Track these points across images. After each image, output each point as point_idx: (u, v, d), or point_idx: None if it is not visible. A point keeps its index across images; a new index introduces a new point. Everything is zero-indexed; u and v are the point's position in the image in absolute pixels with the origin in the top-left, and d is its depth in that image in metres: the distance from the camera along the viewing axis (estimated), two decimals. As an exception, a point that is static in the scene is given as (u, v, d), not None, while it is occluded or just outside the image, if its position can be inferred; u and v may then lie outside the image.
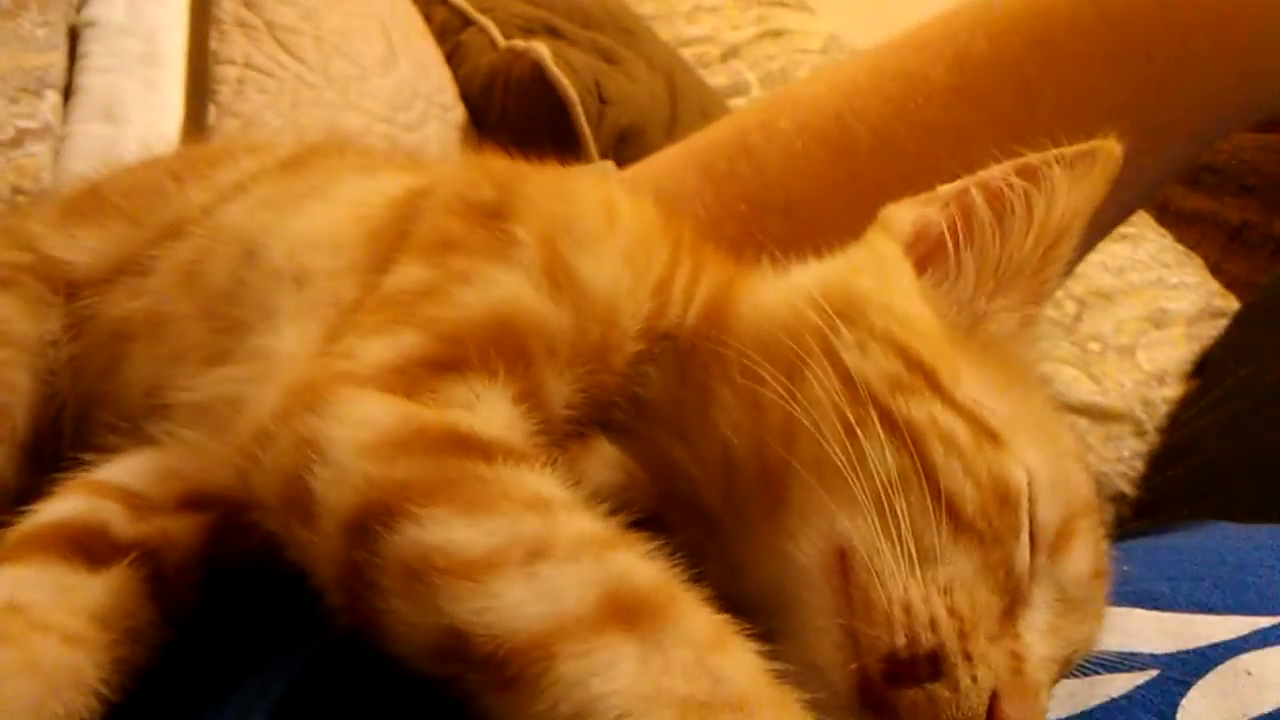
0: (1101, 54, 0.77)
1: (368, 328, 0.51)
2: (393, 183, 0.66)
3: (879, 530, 0.44)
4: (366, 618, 0.41)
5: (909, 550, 0.44)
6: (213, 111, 1.23)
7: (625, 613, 0.38)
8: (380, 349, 0.49)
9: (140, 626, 0.52)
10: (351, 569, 0.41)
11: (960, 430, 0.47)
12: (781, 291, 0.54)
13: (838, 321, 0.50)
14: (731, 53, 1.80)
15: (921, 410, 0.47)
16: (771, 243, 0.58)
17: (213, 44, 1.25)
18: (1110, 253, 1.44)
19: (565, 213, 0.55)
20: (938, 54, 0.80)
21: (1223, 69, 0.78)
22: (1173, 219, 1.77)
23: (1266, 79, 0.80)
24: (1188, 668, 0.48)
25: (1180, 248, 1.54)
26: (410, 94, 1.31)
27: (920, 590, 0.43)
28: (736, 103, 1.63)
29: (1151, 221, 1.58)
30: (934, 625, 0.42)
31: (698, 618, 0.39)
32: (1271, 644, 0.48)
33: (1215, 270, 1.57)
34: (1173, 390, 1.35)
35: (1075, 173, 0.54)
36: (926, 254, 0.55)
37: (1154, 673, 0.49)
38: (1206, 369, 1.38)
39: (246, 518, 0.47)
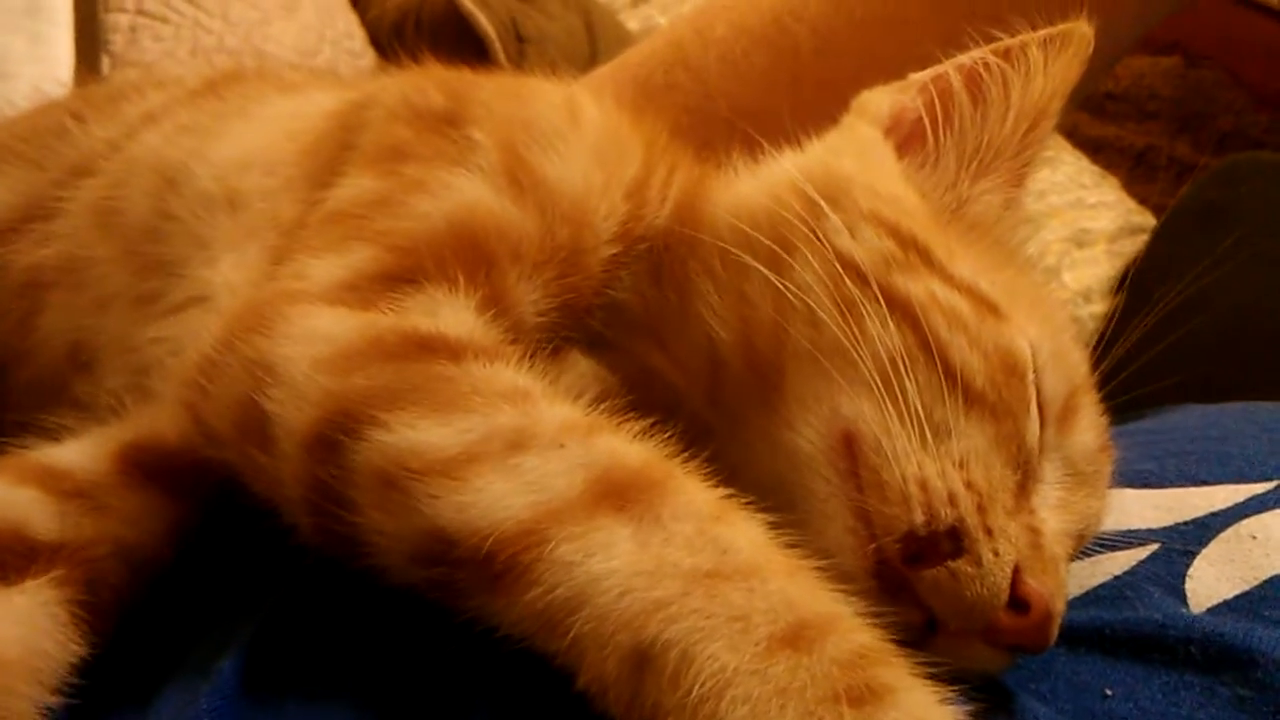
0: None
1: (315, 246, 0.47)
2: (325, 97, 0.61)
3: (888, 407, 0.42)
4: (341, 536, 0.37)
5: (920, 426, 0.41)
6: (106, 62, 1.14)
7: (619, 492, 0.36)
8: (330, 266, 0.45)
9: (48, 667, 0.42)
10: (319, 488, 0.38)
11: (962, 304, 0.45)
12: (760, 181, 0.52)
13: (823, 205, 0.47)
14: (643, -2, 1.76)
15: (920, 286, 0.45)
16: (718, 152, 0.56)
17: (101, -7, 1.17)
18: (1031, 177, 1.46)
19: (524, 113, 0.51)
20: None
21: None
22: (1079, 146, 1.80)
23: None
24: (1189, 538, 0.47)
25: (1096, 168, 1.56)
26: (316, 39, 1.24)
27: (936, 465, 0.41)
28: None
29: (1067, 145, 1.60)
30: (952, 500, 0.40)
31: (697, 491, 0.37)
32: (1271, 508, 0.48)
33: (1122, 194, 1.59)
34: (1099, 307, 1.36)
35: (1051, 54, 0.52)
36: (905, 139, 0.53)
37: (1155, 546, 0.48)
38: (1129, 284, 1.40)
39: (201, 472, 0.42)
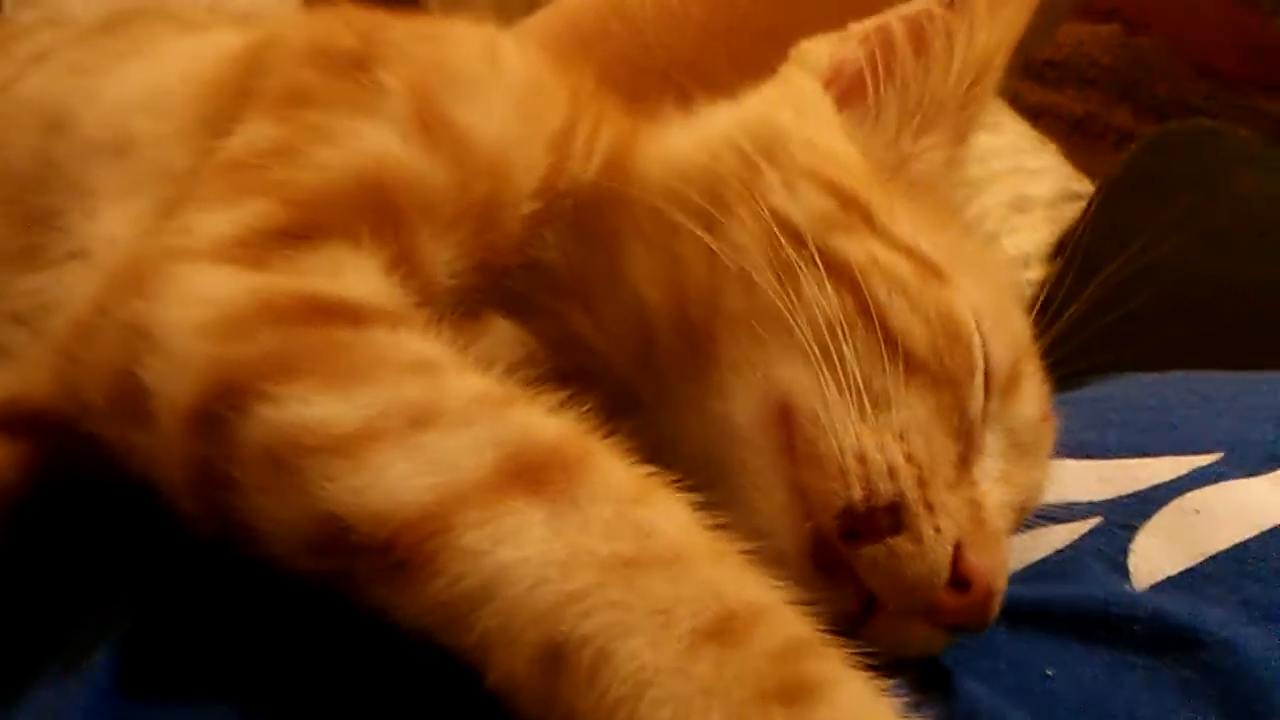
0: None
1: (206, 198, 0.43)
2: (229, 37, 0.56)
3: (825, 376, 0.39)
4: (228, 522, 0.34)
5: (859, 395, 0.39)
6: (8, 4, 1.07)
7: (531, 472, 0.33)
8: (220, 221, 0.41)
9: None
10: (201, 468, 0.34)
11: (903, 267, 0.42)
12: (693, 135, 0.48)
13: (759, 160, 0.44)
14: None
15: (860, 248, 0.42)
16: (653, 104, 0.52)
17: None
18: (973, 143, 1.44)
19: (440, 57, 0.47)
20: None
21: None
22: (1019, 113, 1.78)
23: None
24: (1130, 511, 0.46)
25: (1036, 134, 1.55)
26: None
27: (874, 437, 0.38)
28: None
29: (1009, 109, 1.59)
30: (892, 473, 0.38)
31: (617, 470, 0.34)
32: (1212, 481, 0.46)
33: (1060, 162, 1.59)
34: (1037, 272, 1.36)
35: (995, 5, 0.49)
36: (845, 92, 0.50)
37: (1096, 520, 0.46)
38: (1068, 250, 1.40)
39: (75, 436, 0.38)
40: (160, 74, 0.53)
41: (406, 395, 0.34)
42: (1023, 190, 1.43)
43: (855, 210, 0.43)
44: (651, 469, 0.35)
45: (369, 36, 0.49)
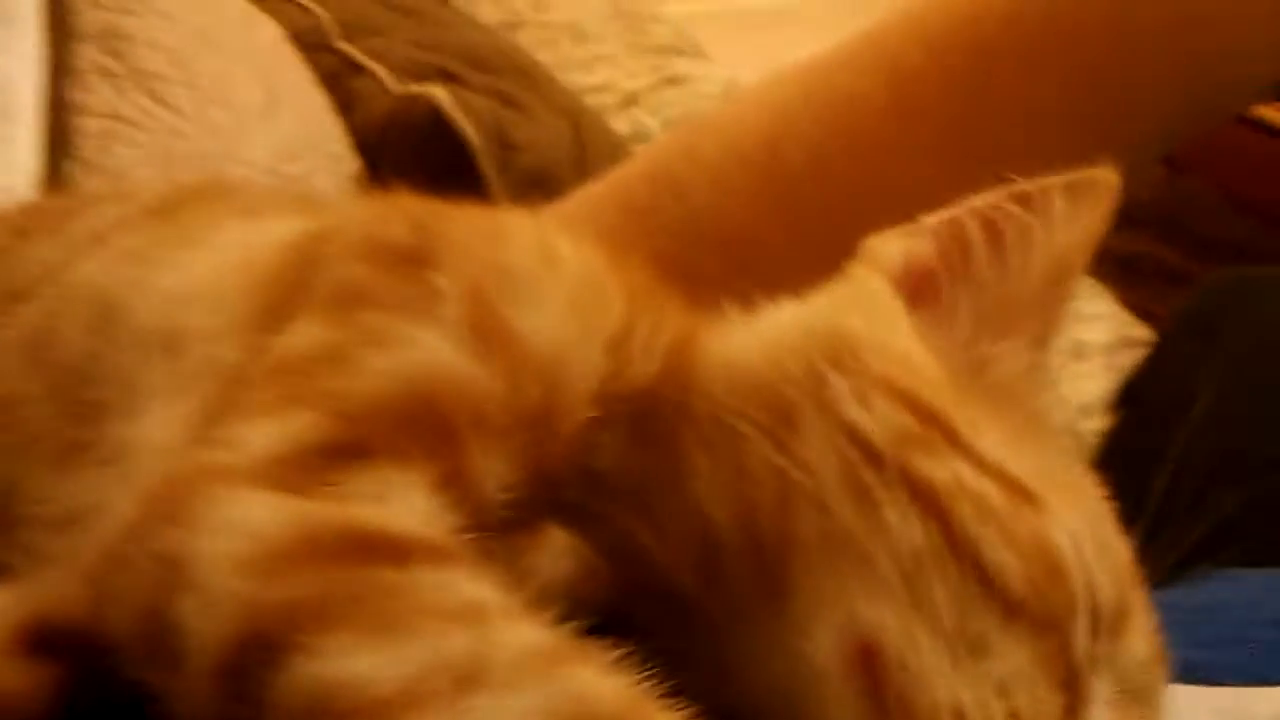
0: (1044, 59, 0.71)
1: (253, 407, 0.41)
2: (286, 225, 0.55)
3: (913, 614, 0.35)
4: None
5: (952, 640, 0.35)
6: (75, 169, 1.09)
7: None
8: (267, 435, 0.38)
9: None
10: None
11: (992, 491, 0.38)
12: (757, 337, 0.45)
13: (826, 370, 0.41)
14: (631, 100, 1.74)
15: (944, 469, 0.39)
16: (706, 284, 0.50)
17: (72, 94, 1.12)
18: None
19: (495, 257, 0.45)
20: (872, 69, 0.73)
21: (1172, 76, 0.73)
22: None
23: (1218, 85, 0.76)
24: None
25: (1089, 279, 1.53)
26: (298, 144, 1.20)
27: (973, 692, 0.34)
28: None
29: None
30: None
31: None
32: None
33: (1111, 304, 1.57)
34: (1098, 423, 1.31)
35: (1075, 202, 0.47)
36: (916, 290, 0.47)
37: None
38: (1129, 399, 1.36)
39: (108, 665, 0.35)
40: (216, 264, 0.52)
41: (454, 649, 0.31)
42: (1080, 336, 1.40)
43: (935, 425, 0.40)
44: None
45: (425, 229, 0.47)
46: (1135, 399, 1.29)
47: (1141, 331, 1.40)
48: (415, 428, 0.39)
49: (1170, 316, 1.41)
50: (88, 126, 1.10)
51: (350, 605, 0.32)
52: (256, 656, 0.31)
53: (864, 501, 0.38)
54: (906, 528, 0.37)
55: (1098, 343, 1.35)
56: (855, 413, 0.40)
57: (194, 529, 0.34)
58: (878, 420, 0.40)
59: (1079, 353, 1.33)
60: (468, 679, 0.30)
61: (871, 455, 0.38)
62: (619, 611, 0.43)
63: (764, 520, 0.40)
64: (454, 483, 0.39)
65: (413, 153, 1.25)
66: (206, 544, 0.34)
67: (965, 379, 0.44)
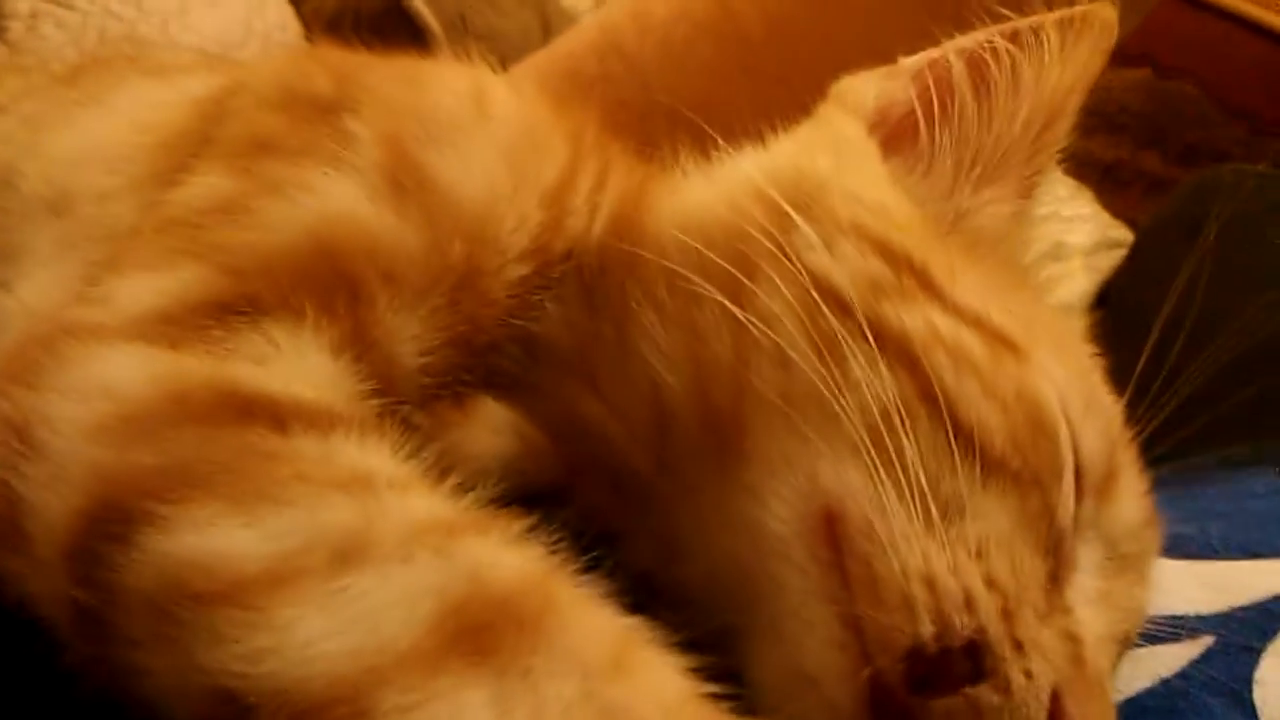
0: None
1: (135, 262, 0.36)
2: (198, 81, 0.49)
3: (881, 477, 0.31)
4: (121, 677, 0.26)
5: (924, 501, 0.31)
6: (2, 51, 1.02)
7: (477, 632, 0.25)
8: (144, 290, 0.34)
9: None
10: (82, 612, 0.27)
11: (971, 340, 0.34)
12: (715, 187, 0.41)
13: (793, 213, 0.37)
14: (601, -2, 1.65)
15: (917, 317, 0.34)
16: (665, 151, 0.45)
17: (-3, -25, 1.04)
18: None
19: (420, 102, 0.40)
20: None
21: None
22: (1049, 159, 1.73)
23: None
24: (1250, 629, 0.38)
25: (1071, 180, 1.48)
26: (242, 30, 1.12)
27: (946, 555, 0.31)
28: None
29: (1042, 155, 1.52)
30: (969, 603, 0.30)
31: (589, 628, 0.26)
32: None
33: (1091, 209, 1.53)
34: (1077, 323, 1.28)
35: (1069, 40, 0.42)
36: (893, 136, 0.42)
37: (1209, 640, 0.38)
38: (1109, 300, 1.34)
39: None
40: (115, 124, 0.47)
41: (333, 521, 0.26)
42: (1060, 239, 1.36)
43: (910, 272, 0.36)
44: (632, 620, 0.26)
45: (347, 77, 0.42)
46: (1115, 300, 1.27)
47: (1122, 234, 1.37)
48: (316, 283, 0.34)
49: (1148, 217, 1.38)
50: (16, 8, 1.02)
51: (216, 472, 0.27)
52: (104, 531, 0.26)
53: (829, 354, 0.34)
54: (875, 380, 0.33)
55: (1078, 245, 1.31)
56: (821, 258, 0.36)
57: (44, 390, 0.30)
58: (846, 266, 0.35)
59: (1059, 254, 1.29)
60: (347, 554, 0.26)
61: (839, 304, 0.34)
62: (563, 489, 0.39)
63: (719, 381, 0.36)
64: (359, 344, 0.34)
65: (368, 42, 1.17)
66: (57, 406, 0.29)
67: (944, 227, 0.40)
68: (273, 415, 0.29)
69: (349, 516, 0.26)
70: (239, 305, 0.33)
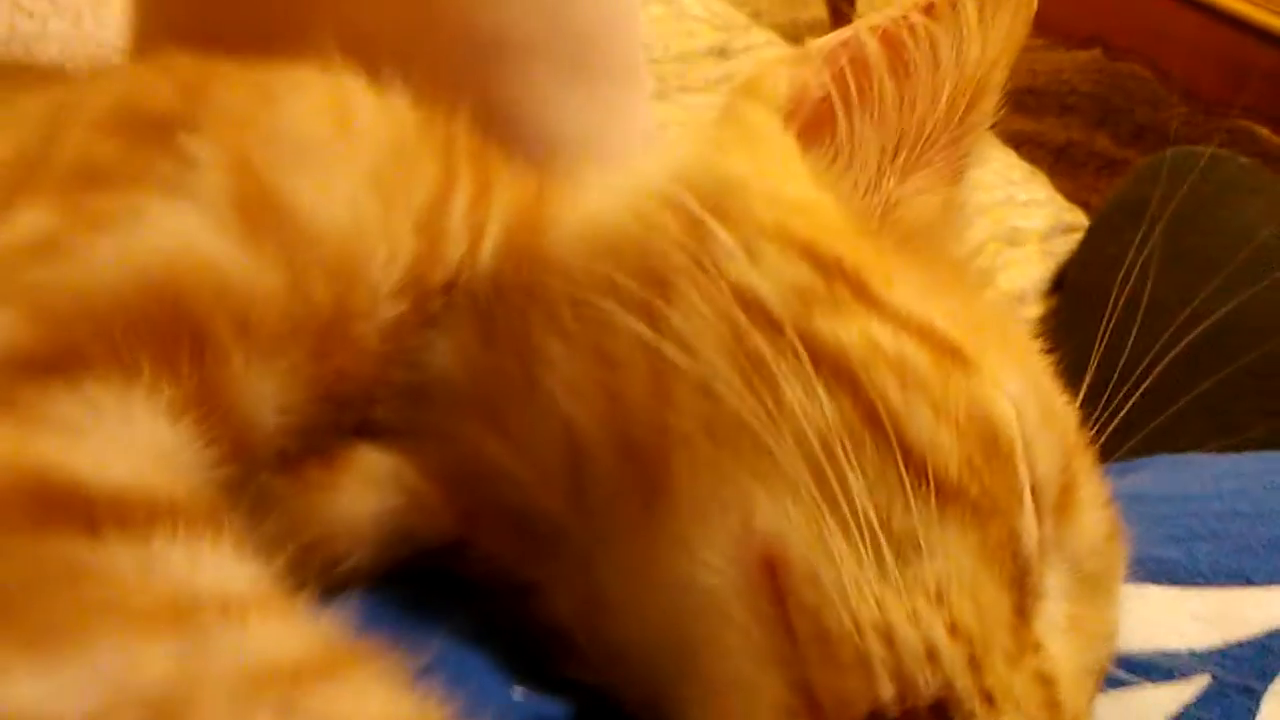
0: None
1: None
2: (34, 101, 0.44)
3: (825, 516, 0.28)
4: None
5: (875, 541, 0.28)
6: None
7: None
8: None
9: None
10: None
11: (914, 352, 0.31)
12: (620, 196, 0.37)
13: (710, 221, 0.33)
14: None
15: (854, 330, 0.31)
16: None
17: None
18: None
19: (274, 120, 0.36)
20: None
21: None
22: (998, 142, 1.73)
23: None
24: (1247, 667, 0.35)
25: (1025, 165, 1.48)
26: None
27: (903, 602, 0.27)
28: None
29: (994, 138, 1.51)
30: (933, 656, 0.27)
31: None
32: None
33: (1044, 191, 1.54)
34: (1034, 309, 1.28)
35: (987, 11, 0.39)
36: (808, 126, 0.39)
37: (1205, 680, 0.35)
38: (1064, 285, 1.33)
39: None
40: None
41: (144, 671, 0.22)
42: (1014, 223, 1.34)
43: (842, 278, 0.32)
44: None
45: (192, 92, 0.37)
46: (1070, 285, 1.26)
47: (1078, 217, 1.36)
48: (152, 333, 0.29)
49: (1102, 199, 1.38)
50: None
51: (12, 599, 0.22)
52: None
53: (758, 378, 0.30)
54: (812, 405, 0.30)
55: (1033, 229, 1.30)
56: (742, 269, 0.32)
57: None
58: (771, 277, 0.32)
59: (1013, 239, 1.27)
60: (166, 715, 0.21)
61: (766, 320, 0.31)
62: (461, 544, 0.35)
63: (636, 414, 0.32)
64: (206, 404, 0.29)
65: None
66: None
67: (873, 224, 0.37)
68: (84, 512, 0.24)
69: (165, 665, 0.22)
70: (56, 360, 0.28)
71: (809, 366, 0.30)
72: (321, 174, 0.34)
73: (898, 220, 0.38)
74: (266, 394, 0.31)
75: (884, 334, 0.31)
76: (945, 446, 0.30)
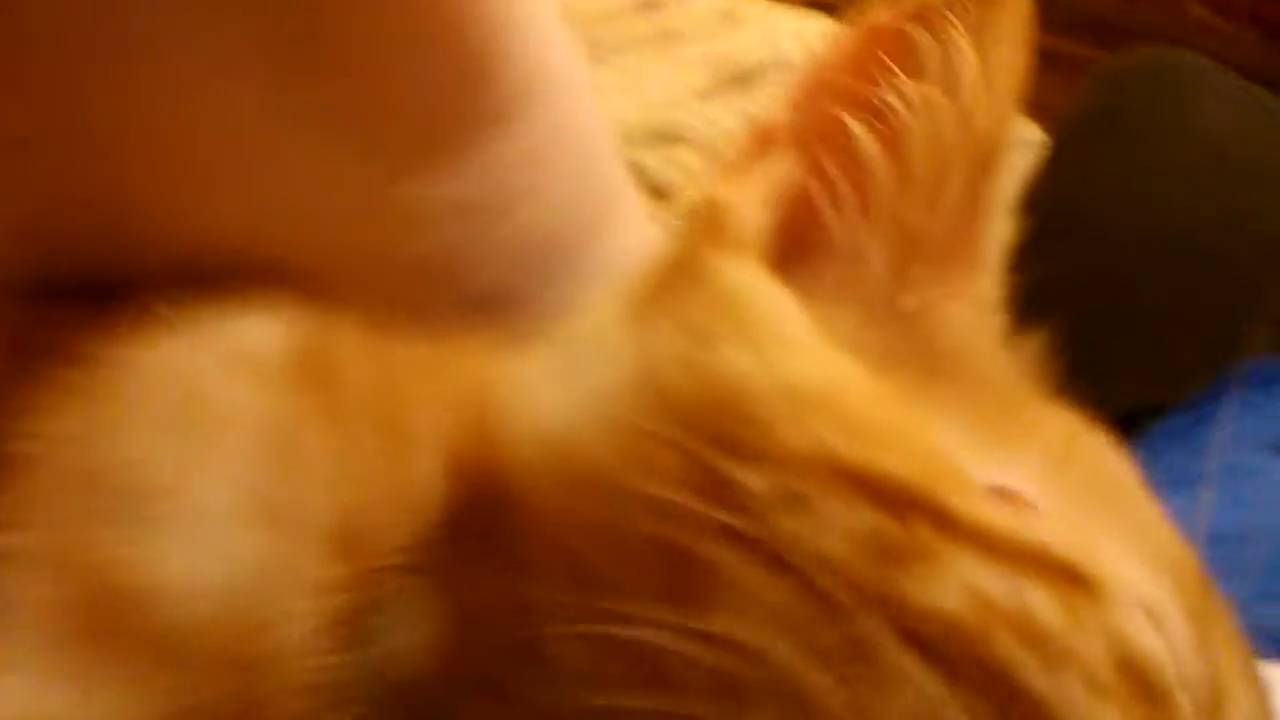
0: None
1: None
2: None
3: None
4: None
5: None
6: None
7: None
8: None
9: None
10: None
11: (1034, 595, 0.24)
12: (579, 402, 0.28)
13: (724, 465, 0.25)
14: None
15: (949, 585, 0.24)
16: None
17: None
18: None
19: (97, 453, 0.27)
20: None
21: None
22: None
23: None
24: None
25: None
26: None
27: None
28: None
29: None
30: None
31: None
32: None
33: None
34: (999, 229, 1.24)
35: (983, 43, 0.31)
36: (790, 241, 0.31)
37: None
38: (1032, 203, 1.29)
39: None
40: None
41: None
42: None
43: (914, 507, 0.25)
44: None
45: None
46: (1038, 203, 1.23)
47: (1033, 131, 1.29)
48: None
49: (1064, 112, 1.33)
50: None
51: None
52: None
53: (849, 675, 0.23)
54: (921, 703, 0.23)
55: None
56: (797, 526, 0.25)
57: None
58: (827, 533, 0.25)
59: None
60: None
61: (836, 604, 0.24)
62: None
63: None
64: None
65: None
66: None
67: (911, 368, 0.29)
68: None
69: None
70: None
71: (909, 653, 0.24)
72: (173, 521, 0.26)
73: (924, 340, 0.31)
74: None
75: (991, 579, 0.24)
76: (1097, 714, 0.23)
